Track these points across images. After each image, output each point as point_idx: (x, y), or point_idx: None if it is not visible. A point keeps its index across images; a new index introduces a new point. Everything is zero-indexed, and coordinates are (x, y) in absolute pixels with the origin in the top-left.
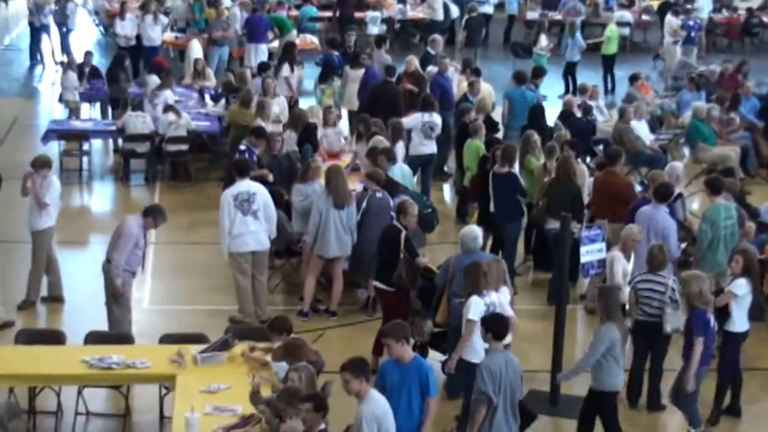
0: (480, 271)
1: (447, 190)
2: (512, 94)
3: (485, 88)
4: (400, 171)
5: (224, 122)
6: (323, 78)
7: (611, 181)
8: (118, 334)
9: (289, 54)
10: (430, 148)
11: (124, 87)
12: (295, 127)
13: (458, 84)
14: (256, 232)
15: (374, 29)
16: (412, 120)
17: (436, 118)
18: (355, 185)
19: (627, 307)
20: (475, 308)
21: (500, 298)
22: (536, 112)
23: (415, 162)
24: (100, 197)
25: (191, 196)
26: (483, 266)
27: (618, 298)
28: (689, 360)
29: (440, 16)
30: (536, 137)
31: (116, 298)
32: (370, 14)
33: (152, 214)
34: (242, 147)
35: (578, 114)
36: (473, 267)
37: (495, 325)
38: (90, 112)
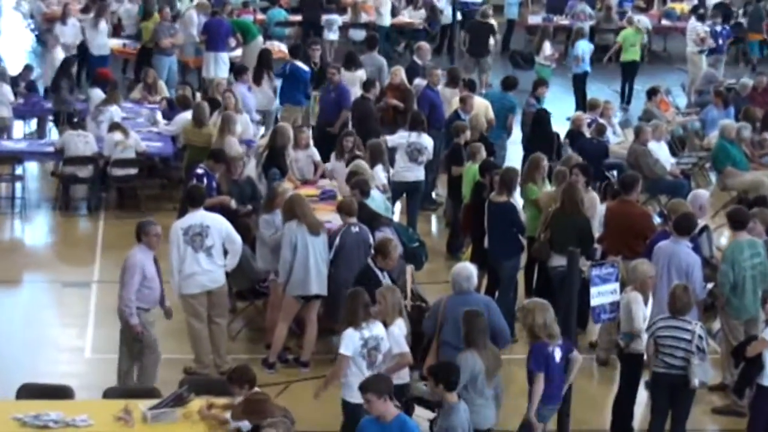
0: (358, 301)
1: (436, 222)
2: (491, 98)
3: (480, 103)
4: (382, 201)
5: (179, 143)
6: (319, 83)
7: (626, 212)
8: (54, 386)
9: (266, 62)
10: (417, 173)
11: (68, 99)
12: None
13: (450, 99)
14: (211, 271)
15: (331, 35)
16: (396, 139)
17: (425, 140)
18: (328, 216)
19: (645, 357)
20: (348, 342)
21: (393, 331)
22: (539, 119)
23: (399, 189)
24: (35, 229)
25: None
26: (363, 295)
27: (484, 323)
28: (530, 399)
29: (385, 21)
30: (545, 163)
31: (141, 341)
32: (326, 18)
33: (141, 233)
34: (199, 170)
35: (588, 134)
36: (352, 296)
37: (444, 375)
38: (24, 129)
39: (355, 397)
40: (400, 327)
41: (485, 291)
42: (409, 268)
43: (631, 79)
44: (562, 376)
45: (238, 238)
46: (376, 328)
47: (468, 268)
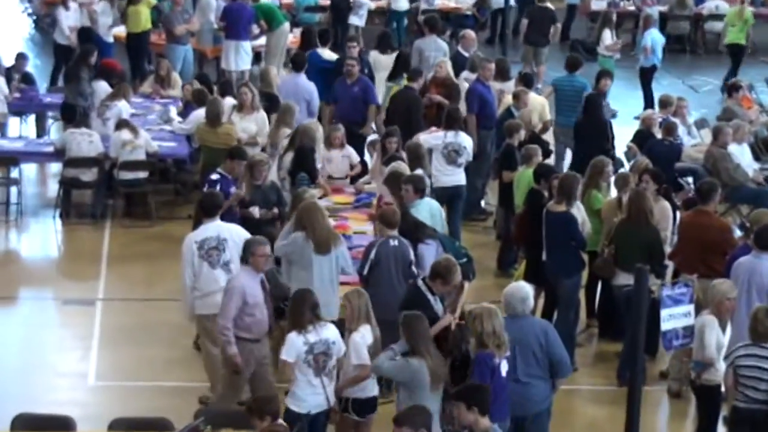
0: (305, 302)
1: (485, 234)
2: (559, 82)
3: (536, 101)
4: (429, 208)
5: (195, 143)
6: (393, 74)
7: (702, 224)
8: (54, 417)
9: (299, 60)
10: (456, 177)
11: (86, 91)
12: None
13: (500, 95)
14: None
15: (356, 20)
16: (431, 139)
17: (463, 139)
18: (363, 226)
19: (723, 389)
20: (290, 347)
21: (354, 339)
22: (591, 104)
23: (437, 195)
24: (33, 239)
25: (151, 239)
26: (310, 297)
27: (426, 327)
28: None
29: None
30: (610, 168)
31: (238, 373)
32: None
33: (248, 252)
34: (213, 176)
35: (659, 135)
36: (298, 297)
37: (478, 397)
38: (21, 128)
39: (301, 407)
40: (364, 335)
41: (541, 313)
42: (466, 285)
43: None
44: (507, 395)
45: None
46: (326, 332)
47: (524, 289)
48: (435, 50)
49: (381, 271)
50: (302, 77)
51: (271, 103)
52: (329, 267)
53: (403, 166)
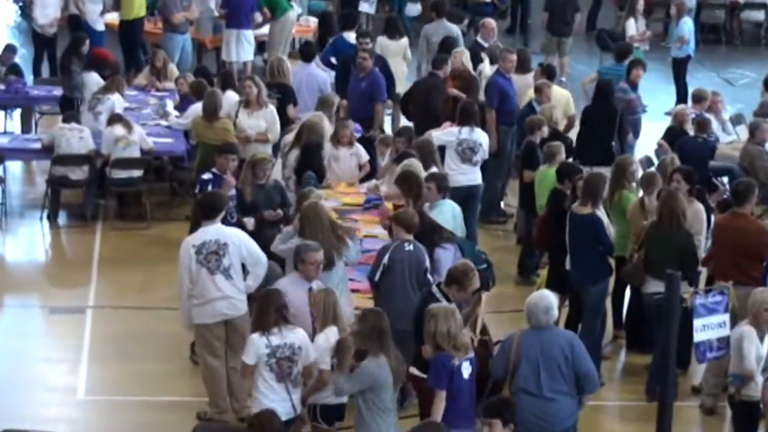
0: (270, 302)
1: (505, 238)
2: (605, 71)
3: (559, 95)
4: (451, 210)
5: (192, 139)
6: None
7: (738, 227)
8: None
9: (308, 51)
10: (471, 176)
11: (78, 84)
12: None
13: (519, 88)
14: (231, 296)
15: (366, 7)
16: (443, 136)
17: (479, 136)
18: (374, 229)
19: (762, 406)
20: (250, 349)
21: (318, 342)
22: (602, 90)
23: (451, 196)
24: (18, 243)
25: (146, 243)
26: (277, 297)
27: (386, 323)
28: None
29: None
30: (636, 166)
31: None
32: None
33: (297, 259)
34: (205, 175)
35: (692, 132)
36: (263, 296)
37: (512, 412)
38: (5, 122)
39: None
40: (329, 338)
41: (565, 323)
42: (485, 296)
43: None
44: (472, 397)
45: (263, 256)
46: (292, 336)
47: (547, 298)
48: (443, 36)
49: (394, 277)
50: (314, 67)
51: (285, 95)
52: (335, 277)
53: (415, 164)
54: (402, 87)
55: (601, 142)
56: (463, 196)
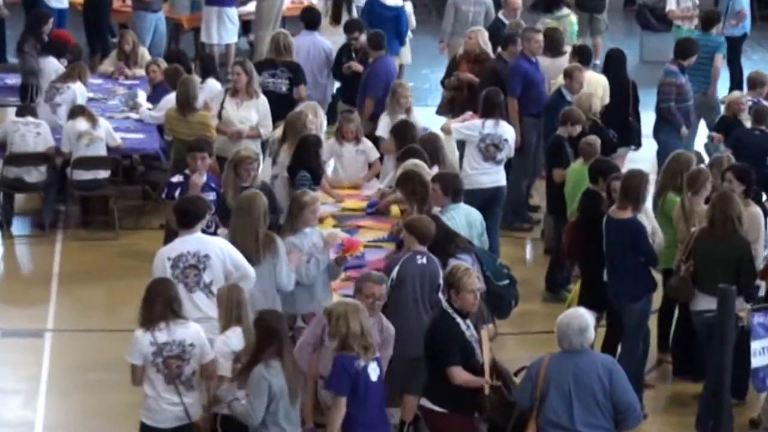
0: (156, 295)
1: (531, 247)
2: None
3: (594, 81)
4: (466, 216)
5: (167, 135)
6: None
7: None
8: None
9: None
10: (496, 176)
11: (34, 68)
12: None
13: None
14: (213, 318)
15: None
16: (464, 129)
17: (505, 130)
18: (379, 235)
19: None
20: (134, 347)
21: (216, 344)
22: (613, 60)
23: (472, 199)
24: None
25: (113, 255)
26: (169, 288)
27: (284, 325)
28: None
29: None
30: (694, 162)
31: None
32: None
33: (355, 290)
34: (175, 178)
35: (747, 123)
36: (149, 288)
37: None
38: None
39: (154, 420)
40: (229, 341)
41: (602, 346)
42: (485, 331)
43: None
44: (382, 404)
45: (251, 270)
46: (182, 332)
47: (581, 318)
48: (474, 4)
49: (403, 294)
50: (317, 36)
51: (296, 74)
52: (266, 277)
53: (420, 166)
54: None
55: (616, 119)
56: (486, 200)
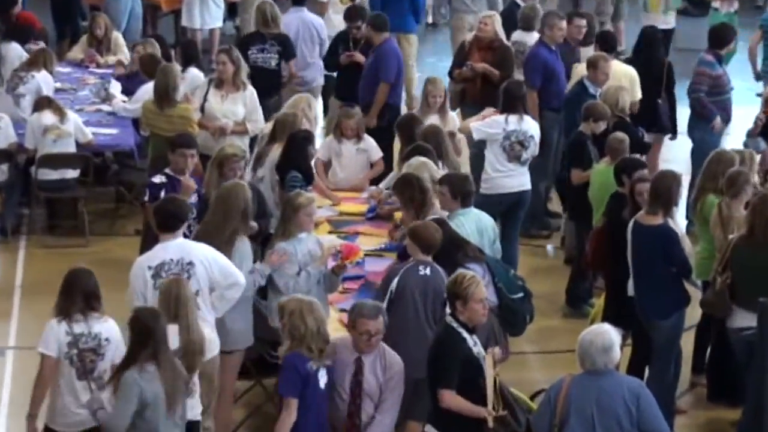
0: (75, 286)
1: (549, 256)
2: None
3: (620, 72)
4: (476, 223)
5: (144, 130)
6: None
7: None
8: None
9: None
10: (521, 179)
11: None
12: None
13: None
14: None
15: None
16: (486, 127)
17: (530, 126)
18: (380, 243)
19: None
20: (48, 336)
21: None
22: (648, 39)
23: (495, 205)
24: None
25: (83, 264)
26: (87, 278)
27: (162, 324)
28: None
29: None
30: (738, 162)
31: None
32: None
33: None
34: (157, 179)
35: None
36: (67, 277)
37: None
38: None
39: (57, 423)
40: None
41: (628, 367)
42: (490, 355)
43: None
44: (326, 417)
45: (241, 277)
46: (99, 326)
47: (605, 335)
48: None
49: (404, 309)
50: (305, 11)
51: (286, 48)
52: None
53: (428, 164)
54: None
55: (644, 102)
56: (508, 205)
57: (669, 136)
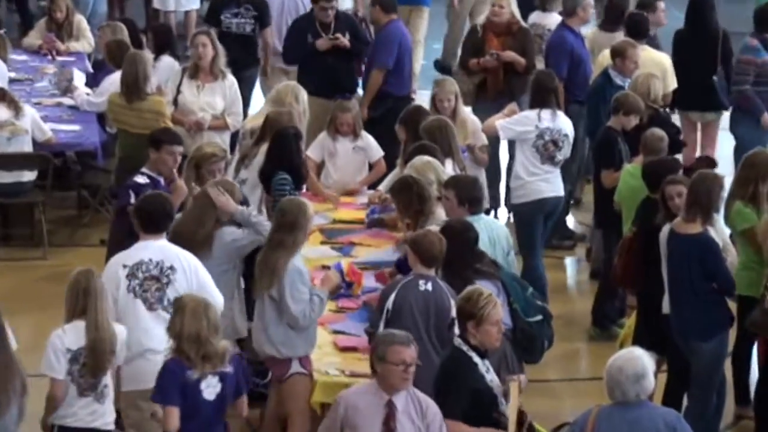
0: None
1: (573, 270)
2: None
3: (651, 60)
4: (488, 233)
5: (110, 126)
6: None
7: None
8: None
9: None
10: (555, 184)
11: None
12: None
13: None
14: None
15: None
16: (515, 125)
17: (563, 123)
18: (380, 254)
19: None
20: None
21: (51, 340)
22: (699, 8)
23: (529, 215)
24: None
25: (41, 278)
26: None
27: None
28: None
29: None
30: None
31: None
32: None
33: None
34: (140, 178)
35: None
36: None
37: None
38: None
39: None
40: (63, 336)
41: (663, 397)
42: (516, 383)
43: None
44: (218, 426)
45: (219, 297)
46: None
47: (638, 361)
48: None
49: (402, 329)
50: None
51: (261, 12)
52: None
53: (434, 164)
54: None
55: (698, 78)
56: (547, 214)
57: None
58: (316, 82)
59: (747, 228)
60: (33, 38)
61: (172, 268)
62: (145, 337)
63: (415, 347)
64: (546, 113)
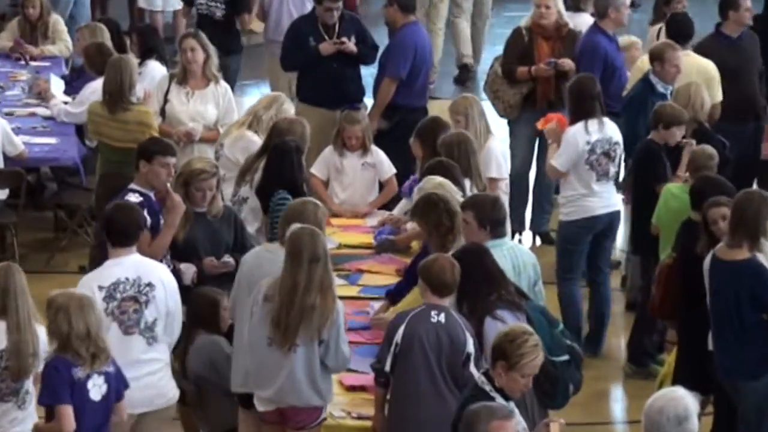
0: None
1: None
2: None
3: (694, 66)
4: (512, 259)
5: (90, 139)
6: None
7: None
8: None
9: None
10: (611, 198)
11: None
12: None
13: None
14: (153, 372)
15: None
16: (569, 152)
17: (613, 131)
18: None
19: None
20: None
21: None
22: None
23: (583, 234)
24: None
25: None
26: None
27: None
28: None
29: None
30: None
31: None
32: None
33: None
34: (133, 196)
35: None
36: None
37: None
38: None
39: None
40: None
41: None
42: (556, 424)
43: None
44: (103, 427)
45: (179, 323)
46: None
47: (681, 402)
48: None
49: (413, 366)
50: None
51: (235, 1)
52: None
53: (445, 186)
54: None
55: (747, 86)
56: (599, 233)
57: None
58: (320, 90)
59: None
60: (3, 40)
61: (149, 284)
62: (120, 362)
63: (516, 421)
64: (593, 124)
